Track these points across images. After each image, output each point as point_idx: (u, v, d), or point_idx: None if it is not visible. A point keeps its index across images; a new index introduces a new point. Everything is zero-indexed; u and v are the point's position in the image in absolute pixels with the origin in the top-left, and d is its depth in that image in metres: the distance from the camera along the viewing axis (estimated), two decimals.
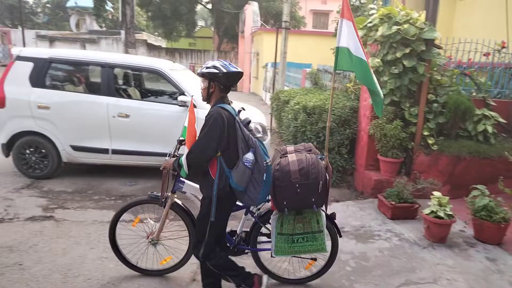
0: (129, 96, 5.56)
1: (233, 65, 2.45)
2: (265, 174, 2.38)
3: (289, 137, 6.30)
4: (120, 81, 6.01)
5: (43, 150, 5.00)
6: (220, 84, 2.38)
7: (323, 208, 2.61)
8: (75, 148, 5.02)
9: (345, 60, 2.71)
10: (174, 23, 20.98)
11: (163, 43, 28.65)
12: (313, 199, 2.47)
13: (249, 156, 2.33)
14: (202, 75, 2.39)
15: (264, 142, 2.76)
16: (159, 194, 2.80)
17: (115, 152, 5.04)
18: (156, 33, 32.93)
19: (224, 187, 2.35)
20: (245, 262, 2.98)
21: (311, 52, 16.82)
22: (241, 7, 21.69)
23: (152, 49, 23.59)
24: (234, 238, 2.81)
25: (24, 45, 22.67)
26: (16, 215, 3.96)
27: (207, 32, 28.76)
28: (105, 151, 5.01)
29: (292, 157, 2.52)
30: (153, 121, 5.03)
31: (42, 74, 4.94)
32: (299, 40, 17.23)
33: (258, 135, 3.77)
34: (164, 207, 2.79)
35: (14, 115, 4.91)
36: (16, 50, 5.09)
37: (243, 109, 2.54)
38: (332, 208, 4.42)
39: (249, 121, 2.48)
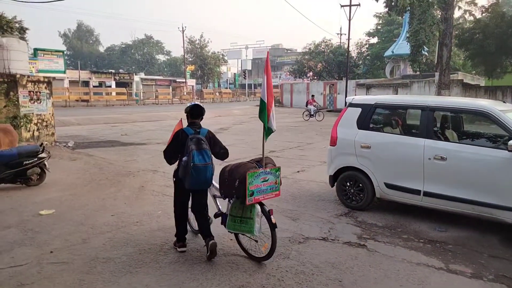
0: (447, 139, 5.38)
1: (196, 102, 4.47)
2: (193, 171, 3.75)
3: None
4: (438, 124, 5.91)
5: (361, 185, 5.61)
6: (188, 115, 4.13)
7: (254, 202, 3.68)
8: (388, 186, 5.32)
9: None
10: (499, 58, 18.63)
11: (481, 82, 25.97)
12: (233, 191, 3.77)
13: (184, 158, 3.83)
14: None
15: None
16: None
17: (427, 194, 4.96)
18: (474, 72, 30.30)
19: (177, 176, 4.05)
20: None
21: None
22: None
23: (468, 88, 21.81)
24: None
25: (346, 94, 26.54)
26: (337, 237, 4.61)
27: None
28: (417, 192, 5.03)
29: (235, 164, 3.98)
30: (472, 166, 4.62)
31: (367, 118, 5.63)
32: None
33: None
34: None
35: (341, 153, 5.81)
36: (349, 99, 6.07)
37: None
38: None
39: (199, 139, 3.90)
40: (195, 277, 3.61)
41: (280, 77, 70.94)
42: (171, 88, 52.08)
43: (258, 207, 3.73)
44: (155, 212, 5.47)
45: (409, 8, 19.23)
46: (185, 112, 4.15)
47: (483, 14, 20.70)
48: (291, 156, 10.17)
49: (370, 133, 5.58)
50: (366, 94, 24.98)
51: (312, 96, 25.04)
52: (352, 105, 5.85)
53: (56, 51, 39.22)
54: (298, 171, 8.30)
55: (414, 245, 4.36)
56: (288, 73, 57.50)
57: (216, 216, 4.21)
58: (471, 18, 22.40)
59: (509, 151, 4.30)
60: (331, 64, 42.26)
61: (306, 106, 23.04)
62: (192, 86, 60.38)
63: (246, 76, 64.98)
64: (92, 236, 4.59)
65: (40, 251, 4.13)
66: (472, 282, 3.54)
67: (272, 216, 3.73)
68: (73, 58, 76.64)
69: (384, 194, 5.42)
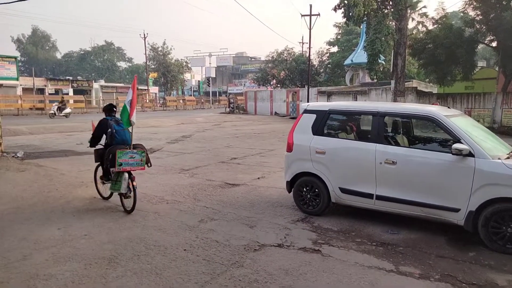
0: (397, 143, 5.55)
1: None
2: (116, 135, 5.91)
3: None
4: (390, 129, 6.10)
5: (317, 190, 5.65)
6: (106, 110, 6.33)
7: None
8: (343, 190, 5.40)
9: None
10: (449, 67, 19.70)
11: (434, 89, 27.30)
12: (110, 162, 5.70)
13: (109, 131, 5.91)
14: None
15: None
16: None
17: (379, 198, 5.07)
18: (427, 80, 31.86)
19: (104, 149, 6.11)
20: None
21: None
22: None
23: (421, 95, 22.91)
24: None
25: (308, 101, 27.01)
26: (292, 243, 4.60)
27: (488, 72, 25.27)
28: (369, 196, 5.14)
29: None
30: (420, 169, 4.79)
31: (322, 123, 5.70)
32: None
33: None
34: None
35: (297, 158, 5.84)
36: (304, 105, 6.13)
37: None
38: None
39: (116, 119, 6.15)
40: None
41: (244, 84, 71.24)
42: None
43: (125, 174, 5.58)
44: (106, 224, 5.23)
45: (365, 18, 19.95)
46: (103, 110, 6.52)
47: (434, 26, 21.86)
48: (253, 163, 10.15)
49: (325, 138, 5.65)
50: (328, 101, 25.55)
51: None
52: (307, 111, 5.91)
53: (8, 57, 37.24)
54: (258, 178, 8.27)
55: (367, 249, 4.43)
56: (252, 80, 57.87)
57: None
58: (424, 29, 23.61)
59: (452, 154, 4.49)
60: (294, 72, 42.99)
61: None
62: (155, 93, 59.22)
63: (210, 84, 64.70)
64: (34, 252, 4.30)
65: None
66: (420, 283, 3.63)
67: (134, 182, 5.57)
68: (28, 65, 73.13)
69: (339, 199, 5.49)
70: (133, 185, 5.54)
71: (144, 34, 50.41)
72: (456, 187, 4.53)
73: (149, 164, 5.94)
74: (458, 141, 4.55)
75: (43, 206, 6.08)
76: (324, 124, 5.72)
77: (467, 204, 4.42)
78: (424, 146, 5.68)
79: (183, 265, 3.98)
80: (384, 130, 5.42)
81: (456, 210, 4.50)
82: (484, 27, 19.36)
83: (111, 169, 5.82)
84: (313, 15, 30.25)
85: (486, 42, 20.77)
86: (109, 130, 5.89)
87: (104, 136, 6.10)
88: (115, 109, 6.40)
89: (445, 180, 4.59)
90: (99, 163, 6.43)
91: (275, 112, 32.93)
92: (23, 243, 4.54)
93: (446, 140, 5.37)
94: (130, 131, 5.97)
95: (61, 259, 4.10)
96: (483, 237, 4.36)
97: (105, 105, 6.57)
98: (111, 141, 5.90)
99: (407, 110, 5.40)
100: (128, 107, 5.69)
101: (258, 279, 3.68)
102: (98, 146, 6.30)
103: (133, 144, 5.82)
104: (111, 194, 6.28)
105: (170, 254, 4.24)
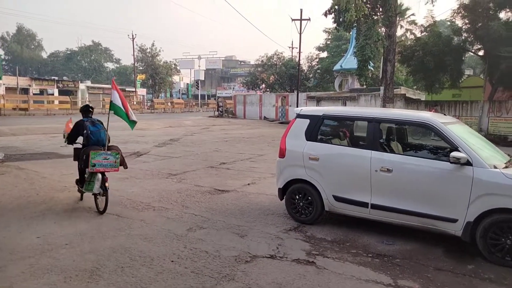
0: (392, 151, 5.42)
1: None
2: (91, 135, 5.95)
3: None
4: (384, 135, 5.98)
5: (310, 198, 5.48)
6: (83, 111, 6.35)
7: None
8: (337, 199, 5.24)
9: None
10: (437, 74, 19.91)
11: (422, 96, 27.58)
12: (84, 163, 5.80)
13: (85, 132, 5.97)
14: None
15: None
16: None
17: (374, 207, 4.93)
18: (415, 87, 32.20)
19: (81, 150, 6.06)
20: None
21: None
22: None
23: (410, 102, 23.08)
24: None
25: (297, 106, 26.94)
26: (285, 254, 4.40)
27: (475, 81, 25.66)
28: (365, 204, 4.99)
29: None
30: (417, 177, 4.66)
31: (316, 129, 5.53)
32: None
33: None
34: None
35: (290, 165, 5.66)
36: (297, 109, 5.96)
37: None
38: None
39: (92, 120, 6.16)
40: None
41: (233, 88, 71.05)
42: None
43: (99, 175, 5.64)
44: (88, 232, 4.95)
45: (355, 24, 20.00)
46: (80, 111, 6.51)
47: (422, 34, 22.08)
48: (242, 168, 9.94)
49: (319, 144, 5.49)
50: (317, 106, 25.52)
51: None
52: (300, 116, 5.74)
53: None
54: (248, 184, 8.07)
55: (363, 260, 4.26)
56: (241, 84, 57.72)
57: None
58: (412, 36, 23.84)
59: (451, 162, 4.37)
60: (283, 76, 42.98)
61: None
62: (143, 95, 58.53)
63: (199, 87, 64.26)
64: (10, 263, 4.01)
65: None
66: None
67: (106, 183, 5.69)
68: (12, 64, 71.55)
69: (333, 207, 5.33)
70: (105, 186, 5.65)
71: (133, 35, 49.81)
72: (453, 196, 4.41)
73: (124, 166, 6.07)
74: (456, 149, 4.44)
75: (22, 212, 5.76)
76: (318, 129, 5.56)
77: (465, 215, 4.31)
78: (420, 153, 5.55)
79: (170, 278, 3.75)
80: (380, 136, 5.29)
81: (454, 221, 4.38)
82: (472, 36, 19.61)
83: (86, 170, 5.91)
84: (303, 19, 30.33)
85: (473, 50, 21.03)
86: (85, 131, 5.98)
87: (81, 137, 6.17)
88: (91, 110, 6.42)
89: (443, 189, 4.47)
90: None
91: (264, 117, 32.79)
92: None
93: (442, 148, 5.27)
94: (107, 132, 6.15)
95: (38, 271, 3.82)
96: (482, 248, 4.24)
97: (81, 106, 6.79)
98: (87, 142, 5.98)
99: (404, 116, 5.28)
100: (122, 108, 5.85)
101: None
102: (78, 145, 6.26)
103: (108, 146, 5.98)
104: (82, 195, 6.39)
105: (156, 266, 4.00)
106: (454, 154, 4.33)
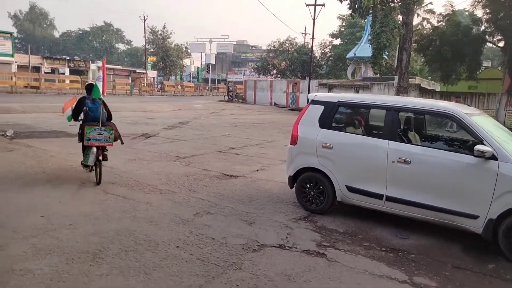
0: (409, 141, 5.17)
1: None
2: (89, 112, 6.34)
3: None
4: (402, 125, 5.72)
5: (321, 187, 5.28)
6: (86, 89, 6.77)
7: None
8: (350, 189, 5.03)
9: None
10: (454, 65, 19.31)
11: (437, 87, 26.95)
12: (80, 137, 6.30)
13: (84, 108, 6.36)
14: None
15: None
16: None
17: (390, 199, 4.71)
18: (430, 77, 31.45)
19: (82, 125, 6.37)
20: None
21: None
22: None
23: (424, 93, 22.53)
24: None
25: (308, 93, 26.53)
26: (295, 244, 4.23)
27: (493, 73, 24.92)
28: (379, 196, 4.77)
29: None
30: (436, 170, 4.41)
31: (330, 116, 5.29)
32: None
33: None
34: None
35: (302, 152, 5.45)
36: (311, 95, 5.71)
37: None
38: None
39: (93, 98, 6.43)
40: None
41: (244, 73, 70.48)
42: (130, 79, 49.97)
43: (94, 149, 6.00)
44: (93, 213, 4.84)
45: (371, 11, 19.42)
46: (84, 88, 6.95)
47: (440, 23, 21.38)
48: (251, 153, 9.75)
49: (333, 132, 5.25)
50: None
51: None
52: (314, 102, 5.50)
53: (3, 32, 36.34)
54: (257, 170, 7.89)
55: (376, 254, 4.08)
56: (252, 69, 57.15)
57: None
58: (429, 26, 23.11)
59: (474, 156, 4.12)
60: (295, 62, 42.36)
61: None
62: (153, 78, 58.38)
63: (209, 70, 63.83)
64: (12, 242, 3.91)
65: None
66: None
67: (100, 156, 6.06)
68: (24, 42, 71.76)
69: (345, 198, 5.13)
70: (99, 159, 6.06)
71: (144, 16, 49.38)
72: (475, 192, 4.17)
73: (121, 142, 6.46)
74: (481, 142, 4.18)
75: (28, 190, 5.67)
76: (332, 116, 5.32)
77: (487, 211, 4.07)
78: (440, 145, 5.29)
79: (175, 264, 3.61)
80: (398, 126, 5.04)
81: (475, 217, 4.15)
82: (492, 26, 18.91)
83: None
84: (317, 5, 29.62)
85: (493, 41, 20.33)
86: (84, 108, 6.36)
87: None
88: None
89: (464, 184, 4.23)
90: None
91: (275, 103, 32.44)
92: (0, 231, 4.15)
93: (463, 140, 5.02)
94: (104, 110, 6.39)
95: (41, 252, 3.71)
96: (504, 248, 4.01)
97: (87, 83, 7.31)
98: (85, 118, 6.38)
99: (424, 105, 5.00)
100: (99, 85, 6.20)
101: (258, 285, 3.32)
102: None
103: (103, 123, 6.25)
104: (90, 168, 6.70)
105: (161, 251, 3.87)
106: (478, 147, 4.07)
